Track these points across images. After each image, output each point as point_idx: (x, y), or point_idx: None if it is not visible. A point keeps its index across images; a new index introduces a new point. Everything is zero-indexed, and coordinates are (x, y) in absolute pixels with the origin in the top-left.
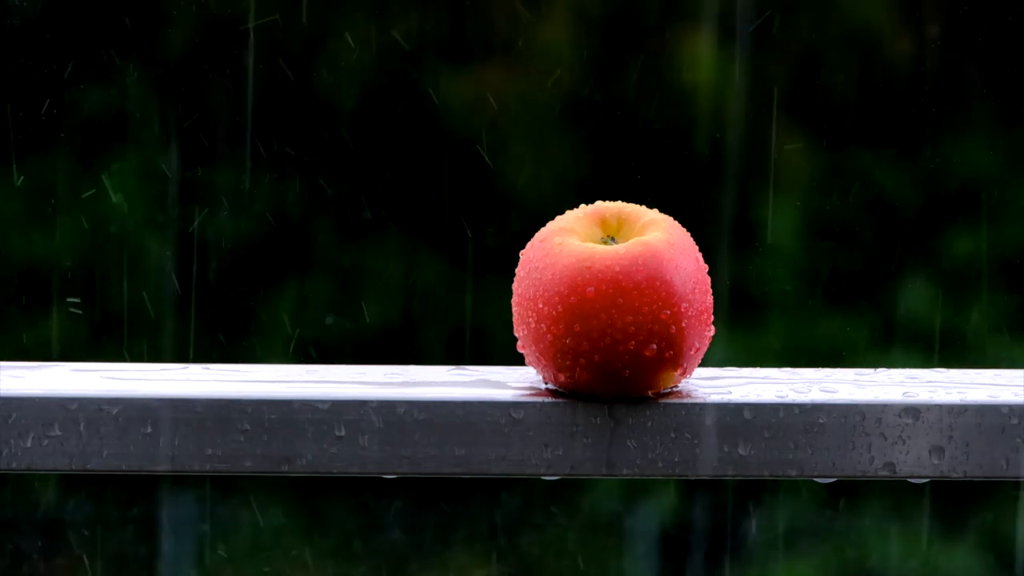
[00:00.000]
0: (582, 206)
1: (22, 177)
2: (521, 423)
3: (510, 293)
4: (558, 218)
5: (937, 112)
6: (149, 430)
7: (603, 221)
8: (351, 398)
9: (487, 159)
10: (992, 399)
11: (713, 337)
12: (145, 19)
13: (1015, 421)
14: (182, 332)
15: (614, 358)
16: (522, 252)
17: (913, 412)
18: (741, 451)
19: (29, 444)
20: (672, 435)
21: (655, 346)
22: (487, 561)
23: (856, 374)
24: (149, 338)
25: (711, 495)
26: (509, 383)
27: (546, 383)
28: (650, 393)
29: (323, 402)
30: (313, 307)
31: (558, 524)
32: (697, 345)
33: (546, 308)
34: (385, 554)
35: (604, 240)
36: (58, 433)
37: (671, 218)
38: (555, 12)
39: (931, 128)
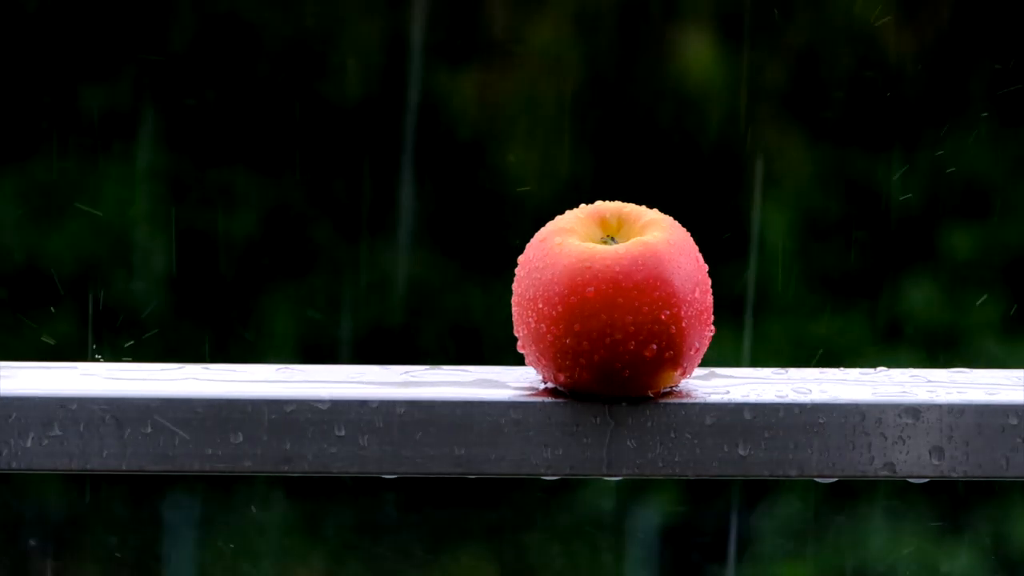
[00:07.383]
0: (582, 206)
1: (22, 177)
2: (521, 423)
3: (510, 293)
4: (558, 218)
5: (937, 112)
6: (149, 430)
7: (603, 221)
8: (351, 398)
9: (487, 159)
10: (992, 399)
11: (713, 337)
12: (146, 18)
13: (1015, 421)
14: (183, 332)
15: (614, 358)
16: (521, 252)
17: (913, 412)
18: (741, 451)
19: (29, 444)
20: (672, 435)
21: (655, 346)
22: (487, 561)
23: (856, 374)
24: (149, 338)
25: (711, 495)
26: (509, 383)
27: (546, 383)
28: (650, 393)
29: (323, 402)
30: (313, 306)
31: (558, 524)
32: (697, 345)
33: (546, 308)
34: (385, 554)
35: (604, 240)
36: (58, 433)
37: (671, 218)
38: (556, 12)
39: (931, 128)
